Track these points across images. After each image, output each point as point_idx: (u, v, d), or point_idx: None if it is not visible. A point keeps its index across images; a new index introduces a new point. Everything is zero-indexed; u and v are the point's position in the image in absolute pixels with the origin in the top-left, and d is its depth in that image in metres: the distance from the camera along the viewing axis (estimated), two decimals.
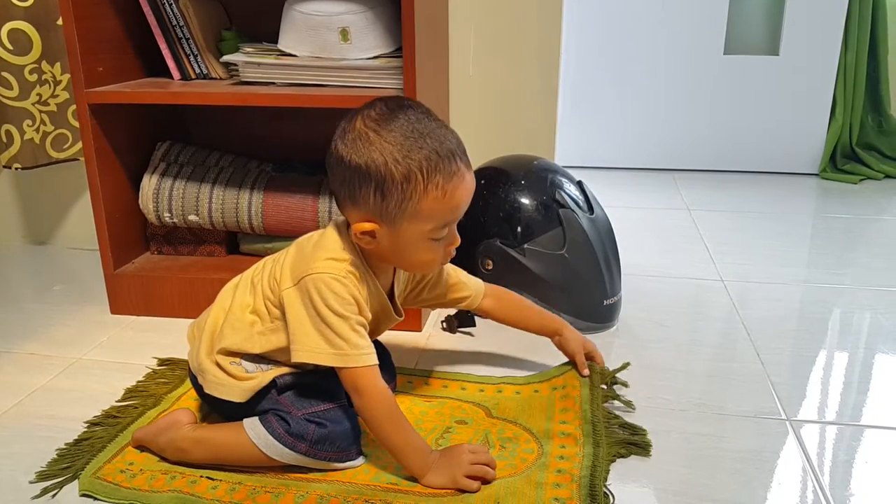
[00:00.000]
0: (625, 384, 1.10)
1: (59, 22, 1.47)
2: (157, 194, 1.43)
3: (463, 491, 0.88)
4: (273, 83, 1.32)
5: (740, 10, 2.55)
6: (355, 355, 0.89)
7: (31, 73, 1.51)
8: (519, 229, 1.33)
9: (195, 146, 1.52)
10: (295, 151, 1.54)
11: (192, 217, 1.44)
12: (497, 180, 1.37)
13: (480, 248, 1.34)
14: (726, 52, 2.55)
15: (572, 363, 1.14)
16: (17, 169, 1.58)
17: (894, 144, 2.58)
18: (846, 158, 2.58)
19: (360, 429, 0.94)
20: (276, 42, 1.33)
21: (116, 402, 1.11)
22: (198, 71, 1.43)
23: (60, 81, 1.57)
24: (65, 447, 0.99)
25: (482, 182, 1.37)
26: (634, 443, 0.99)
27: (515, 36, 1.59)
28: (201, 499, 0.88)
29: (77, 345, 1.32)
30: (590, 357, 1.14)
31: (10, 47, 1.47)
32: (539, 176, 1.37)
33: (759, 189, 2.44)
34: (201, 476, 0.92)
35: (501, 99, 1.63)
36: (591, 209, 1.37)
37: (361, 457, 0.95)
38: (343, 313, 0.89)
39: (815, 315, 1.44)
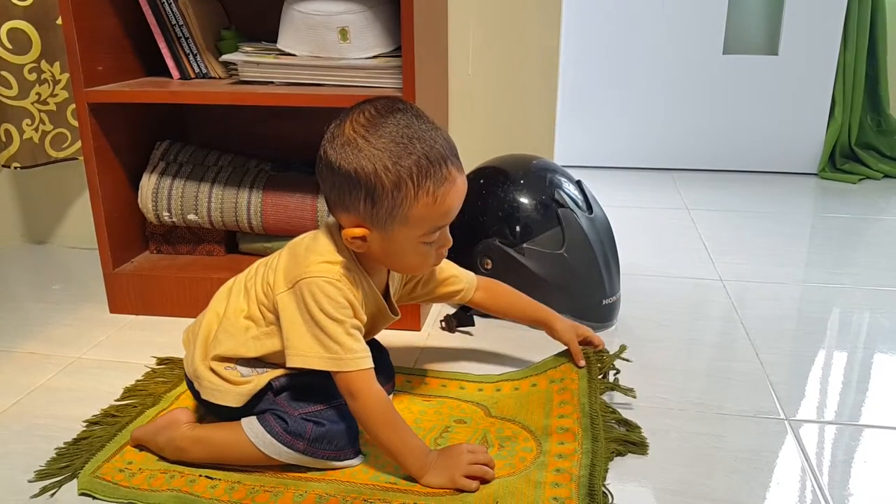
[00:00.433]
0: (631, 394, 1.09)
1: (59, 21, 1.48)
2: (157, 193, 1.43)
3: (461, 490, 0.88)
4: (272, 82, 1.32)
5: (739, 9, 2.55)
6: (349, 359, 0.89)
7: (30, 72, 1.51)
8: (518, 229, 1.33)
9: (194, 145, 1.52)
10: (294, 151, 1.54)
11: (191, 216, 1.44)
12: (496, 180, 1.37)
13: (479, 247, 1.34)
14: (725, 52, 2.55)
15: (569, 353, 1.14)
16: (16, 168, 1.58)
17: (893, 144, 2.58)
18: (845, 158, 2.58)
19: (357, 428, 0.94)
20: (275, 41, 1.33)
21: (115, 401, 1.12)
22: (197, 70, 1.43)
23: (60, 80, 1.57)
24: (63, 446, 1.00)
25: (481, 181, 1.38)
26: (631, 441, 0.99)
27: (515, 35, 1.59)
28: (200, 498, 0.88)
29: (76, 344, 1.32)
30: (587, 342, 1.14)
31: (9, 46, 1.47)
32: (538, 175, 1.37)
33: (758, 189, 2.44)
34: (200, 475, 0.92)
35: (500, 98, 1.63)
36: (590, 209, 1.37)
37: (360, 456, 0.95)
38: (337, 317, 0.89)
39: (814, 315, 1.44)
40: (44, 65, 1.53)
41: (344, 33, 1.26)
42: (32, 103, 1.54)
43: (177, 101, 1.34)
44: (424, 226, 0.90)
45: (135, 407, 1.09)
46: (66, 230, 1.83)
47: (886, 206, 2.21)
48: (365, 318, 0.94)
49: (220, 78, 1.43)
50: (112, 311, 1.44)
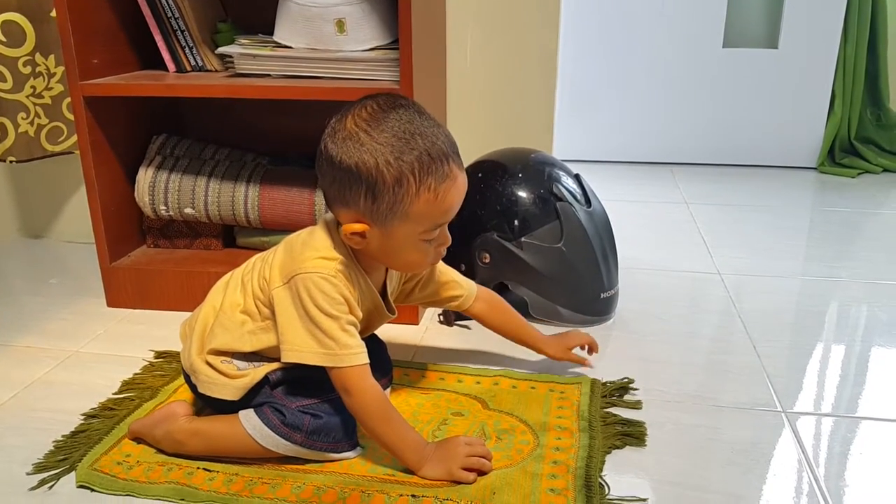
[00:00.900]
0: (636, 406, 1.08)
1: (53, 14, 1.47)
2: (153, 187, 1.43)
3: (459, 482, 0.88)
4: (269, 75, 1.32)
5: (739, 3, 2.55)
6: (344, 355, 0.89)
7: (24, 65, 1.51)
8: (516, 222, 1.33)
9: (191, 139, 1.52)
10: (291, 144, 1.53)
11: (188, 210, 1.44)
12: (494, 173, 1.37)
13: (477, 241, 1.34)
14: (725, 46, 2.55)
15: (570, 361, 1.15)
16: (11, 162, 1.58)
17: (892, 138, 2.58)
18: (844, 152, 2.58)
19: (355, 421, 0.94)
20: (271, 34, 1.32)
21: (113, 394, 1.12)
22: (193, 63, 1.42)
23: (55, 74, 1.57)
24: (62, 439, 1.00)
25: (479, 175, 1.37)
26: (630, 434, 0.99)
27: (513, 29, 1.58)
28: (198, 490, 0.88)
29: (73, 338, 1.32)
30: (577, 346, 1.15)
31: (3, 39, 1.47)
32: (536, 169, 1.37)
33: (757, 183, 2.44)
34: (198, 467, 0.92)
35: (499, 92, 1.63)
36: (588, 202, 1.36)
37: (357, 448, 0.95)
38: (332, 313, 0.89)
39: (812, 308, 1.44)
40: (38, 58, 1.53)
41: (341, 25, 1.26)
42: (27, 97, 1.53)
43: (173, 95, 1.33)
44: (425, 222, 0.89)
45: (132, 400, 1.09)
46: (63, 224, 1.83)
47: (885, 201, 2.21)
48: (360, 314, 0.94)
49: (216, 71, 1.43)
50: (109, 304, 1.44)
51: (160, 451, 0.96)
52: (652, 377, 1.15)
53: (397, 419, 0.91)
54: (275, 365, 0.95)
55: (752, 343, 1.28)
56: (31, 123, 1.56)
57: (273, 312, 0.92)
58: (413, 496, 0.86)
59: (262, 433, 0.90)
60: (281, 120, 1.54)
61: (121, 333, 1.34)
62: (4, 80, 1.50)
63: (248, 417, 0.92)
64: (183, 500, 0.87)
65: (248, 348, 0.95)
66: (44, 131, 1.59)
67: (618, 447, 0.97)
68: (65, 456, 0.95)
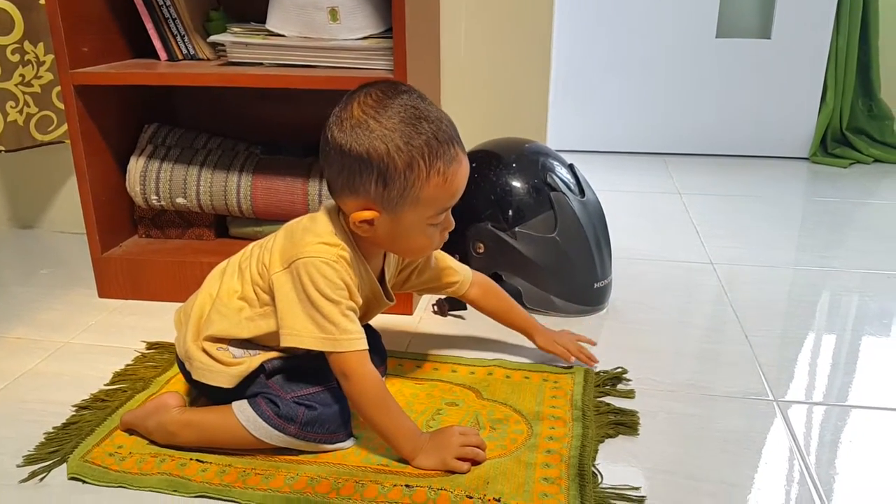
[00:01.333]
0: (629, 396, 1.08)
1: (42, 1, 1.45)
2: (145, 177, 1.42)
3: (453, 472, 0.88)
4: (261, 64, 1.31)
5: None
6: (345, 340, 0.89)
7: (13, 53, 1.49)
8: (510, 212, 1.32)
9: (183, 128, 1.51)
10: (284, 133, 1.52)
11: (179, 200, 1.43)
12: (488, 163, 1.36)
13: (471, 231, 1.34)
14: (718, 36, 2.55)
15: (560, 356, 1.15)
16: (0, 151, 1.56)
17: (884, 129, 2.59)
18: (836, 142, 2.59)
19: (349, 411, 0.94)
20: (264, 22, 1.31)
21: (105, 385, 1.11)
22: (185, 51, 1.41)
23: (44, 62, 1.55)
24: (53, 431, 0.99)
25: (473, 165, 1.36)
26: (623, 423, 1.00)
27: (507, 18, 1.58)
28: (191, 481, 0.88)
29: (65, 329, 1.31)
30: (566, 346, 1.15)
31: None
32: (530, 159, 1.37)
33: (750, 173, 2.44)
34: (191, 459, 0.92)
35: (493, 82, 1.62)
36: (582, 192, 1.36)
37: (351, 438, 0.95)
38: (333, 298, 0.89)
39: (804, 297, 1.44)
40: (27, 46, 1.51)
41: (334, 13, 1.25)
42: (16, 85, 1.52)
43: (164, 83, 1.33)
44: (434, 206, 0.90)
45: (124, 391, 1.08)
46: (54, 214, 1.82)
47: (876, 191, 2.22)
48: (360, 300, 0.94)
49: (208, 59, 1.42)
50: (101, 295, 1.43)
51: (152, 442, 0.95)
52: (645, 366, 1.16)
53: (394, 407, 0.91)
54: (271, 354, 0.95)
55: (745, 332, 1.28)
56: (21, 112, 1.55)
57: (272, 298, 0.92)
58: (407, 486, 0.86)
59: (256, 424, 0.90)
60: (273, 109, 1.54)
61: (112, 324, 1.33)
62: None
63: (241, 409, 0.91)
64: (176, 491, 0.87)
65: (245, 335, 0.94)
66: (33, 120, 1.58)
67: (611, 436, 0.97)
68: (56, 448, 0.95)
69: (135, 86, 1.40)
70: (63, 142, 1.63)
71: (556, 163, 1.38)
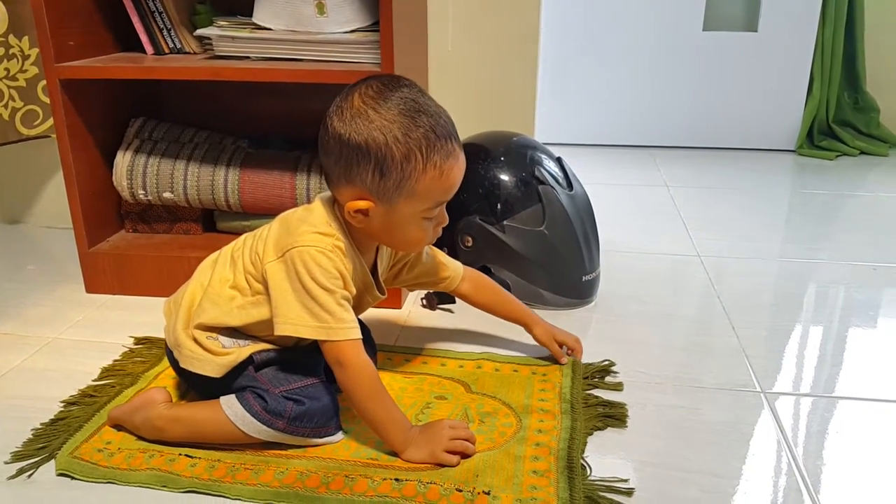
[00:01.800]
0: (617, 388, 1.09)
1: None
2: (131, 171, 1.41)
3: (443, 465, 0.88)
4: (248, 57, 1.30)
5: None
6: (339, 328, 0.89)
7: None
8: (498, 206, 1.33)
9: (169, 122, 1.50)
10: (272, 127, 1.52)
11: (166, 194, 1.42)
12: (477, 157, 1.36)
13: (460, 224, 1.34)
14: (705, 29, 2.56)
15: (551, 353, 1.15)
16: None
17: (869, 121, 2.61)
18: (823, 135, 2.60)
19: (338, 405, 0.94)
20: (250, 15, 1.31)
21: (93, 381, 1.11)
22: (171, 45, 1.40)
23: (29, 56, 1.54)
24: (41, 427, 0.98)
25: None
26: (611, 415, 1.00)
27: (494, 12, 1.57)
28: (180, 477, 0.88)
29: (52, 324, 1.30)
30: (562, 344, 1.15)
31: None
32: (519, 152, 1.37)
33: (737, 165, 2.45)
34: (180, 454, 0.92)
35: (481, 75, 1.62)
36: (570, 186, 1.37)
37: (340, 432, 0.95)
38: (328, 287, 0.89)
39: (790, 289, 1.45)
40: (12, 39, 1.50)
41: (321, 7, 1.24)
42: (1, 79, 1.51)
43: (151, 77, 1.32)
44: (429, 200, 0.90)
45: (113, 387, 1.08)
46: (40, 209, 1.80)
47: (862, 183, 2.24)
48: (354, 290, 0.94)
49: (194, 53, 1.41)
50: (88, 290, 1.43)
51: (140, 437, 0.95)
52: (633, 359, 1.16)
53: (386, 397, 0.91)
54: (260, 345, 0.95)
55: (732, 324, 1.29)
56: (6, 107, 1.54)
57: (266, 287, 0.92)
58: (396, 480, 0.86)
59: (244, 420, 0.90)
60: (261, 102, 1.53)
61: (100, 319, 1.33)
62: None
63: (229, 404, 0.91)
64: (165, 486, 0.87)
65: (236, 323, 0.94)
66: (18, 114, 1.56)
67: (599, 428, 0.98)
68: (44, 444, 0.95)
69: (121, 80, 1.39)
70: (49, 136, 1.62)
71: (544, 156, 1.38)
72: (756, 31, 2.53)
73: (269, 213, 1.35)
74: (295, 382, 0.93)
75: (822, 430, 0.99)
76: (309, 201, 1.08)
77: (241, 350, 0.94)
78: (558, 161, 1.40)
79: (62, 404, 1.04)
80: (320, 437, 0.93)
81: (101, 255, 1.41)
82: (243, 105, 1.54)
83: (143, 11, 1.37)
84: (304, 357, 0.94)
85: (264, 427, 0.90)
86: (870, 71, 2.59)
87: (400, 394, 1.06)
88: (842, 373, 1.14)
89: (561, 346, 1.15)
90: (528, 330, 1.16)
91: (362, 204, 0.90)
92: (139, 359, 1.17)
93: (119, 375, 1.11)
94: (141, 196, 1.43)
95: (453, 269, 1.13)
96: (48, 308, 1.37)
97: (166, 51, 1.41)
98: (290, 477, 0.87)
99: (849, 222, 1.89)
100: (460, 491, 0.84)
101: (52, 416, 1.01)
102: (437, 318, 1.32)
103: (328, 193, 0.96)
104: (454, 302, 1.34)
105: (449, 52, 1.61)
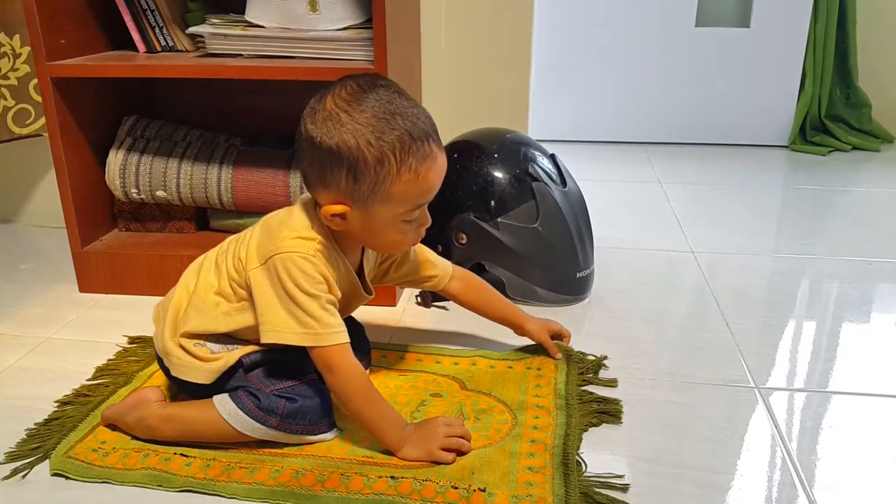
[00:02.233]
0: (612, 385, 1.09)
1: None
2: (124, 170, 1.41)
3: (438, 463, 0.88)
4: (240, 55, 1.30)
5: None
6: (326, 334, 0.88)
7: None
8: (492, 203, 1.33)
9: (162, 120, 1.49)
10: (265, 125, 1.52)
11: (159, 193, 1.42)
12: (470, 154, 1.36)
13: (454, 222, 1.34)
14: (697, 25, 2.56)
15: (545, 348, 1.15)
16: None
17: (862, 116, 2.61)
18: (815, 130, 2.61)
19: (331, 402, 0.94)
20: (243, 13, 1.30)
21: (87, 380, 1.10)
22: (163, 43, 1.40)
23: (20, 54, 1.53)
24: (35, 427, 0.98)
25: (455, 156, 1.37)
26: (606, 411, 1.00)
27: (488, 8, 1.57)
28: (175, 476, 0.87)
29: (46, 324, 1.30)
30: (556, 336, 1.15)
31: None
32: (512, 149, 1.37)
33: (730, 161, 2.46)
34: (175, 453, 0.91)
35: (474, 72, 1.62)
36: (563, 182, 1.37)
37: (334, 430, 0.95)
38: (313, 292, 0.88)
39: (784, 285, 1.46)
40: (3, 38, 1.49)
41: (313, 4, 1.24)
42: None
43: (143, 76, 1.31)
44: (406, 203, 0.89)
45: (107, 386, 1.08)
46: (33, 208, 1.80)
47: (855, 178, 2.24)
48: (339, 294, 0.93)
49: (187, 51, 1.41)
50: (82, 290, 1.42)
51: (134, 437, 0.95)
52: (627, 355, 1.16)
53: (379, 399, 0.91)
54: (249, 348, 0.94)
55: (726, 320, 1.29)
56: None
57: (249, 293, 0.91)
58: (392, 477, 0.86)
59: (237, 418, 0.90)
60: (253, 100, 1.52)
61: (94, 319, 1.32)
62: None
63: (222, 402, 0.91)
64: (160, 486, 0.87)
65: (222, 329, 0.94)
66: (10, 113, 1.56)
67: (594, 425, 0.98)
68: (38, 444, 0.94)
69: (113, 78, 1.38)
70: (41, 135, 1.61)
71: (537, 153, 1.38)
72: (748, 27, 2.54)
73: (262, 210, 1.34)
74: (286, 382, 0.93)
75: (816, 425, 0.99)
76: None
77: (230, 354, 0.94)
78: (552, 158, 1.40)
79: (56, 404, 1.04)
80: (314, 435, 0.93)
81: (94, 254, 1.41)
82: (236, 103, 1.53)
83: (134, 9, 1.37)
84: (293, 357, 0.93)
85: (258, 425, 0.90)
86: (862, 66, 2.59)
87: (395, 391, 1.06)
88: (835, 368, 1.14)
89: (555, 337, 1.15)
90: (521, 329, 1.16)
91: (338, 208, 0.89)
92: (133, 358, 1.16)
93: (113, 375, 1.11)
94: (134, 195, 1.43)
95: (442, 267, 1.12)
96: (42, 307, 1.36)
97: (158, 49, 1.40)
98: (285, 475, 0.87)
99: (842, 217, 1.90)
100: (456, 488, 0.85)
101: (47, 416, 1.01)
102: (431, 316, 1.32)
103: (309, 195, 0.95)
104: (448, 299, 1.34)
105: (442, 49, 1.61)
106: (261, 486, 0.86)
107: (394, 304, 1.35)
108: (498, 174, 1.34)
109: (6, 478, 0.89)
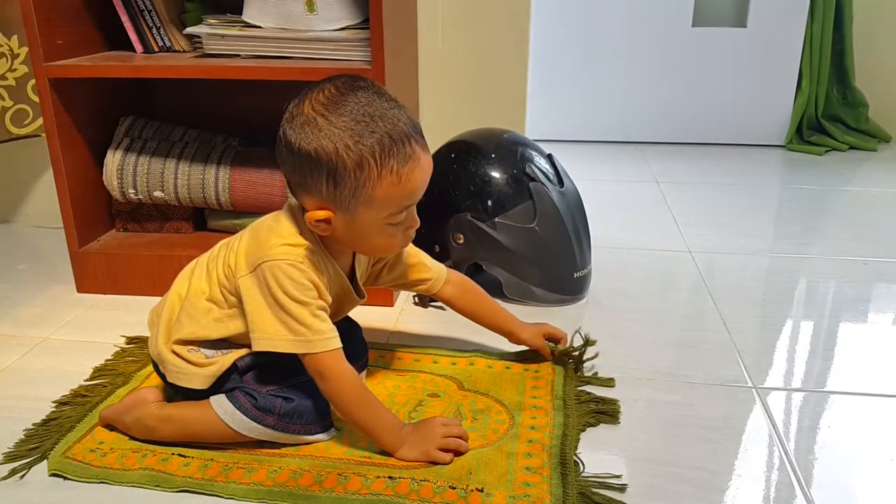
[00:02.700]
0: (609, 384, 1.09)
1: None
2: (122, 170, 1.41)
3: (436, 463, 0.88)
4: (238, 55, 1.30)
5: None
6: (317, 341, 0.88)
7: None
8: (489, 203, 1.33)
9: (159, 121, 1.49)
10: (262, 125, 1.50)
11: (157, 193, 1.42)
12: (467, 154, 1.36)
13: (451, 222, 1.34)
14: (694, 24, 2.56)
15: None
16: None
17: (858, 116, 2.62)
18: (812, 130, 2.61)
19: (328, 402, 0.94)
20: (240, 13, 1.30)
21: (85, 381, 1.10)
22: (161, 44, 1.40)
23: (18, 55, 1.53)
24: (33, 427, 0.98)
25: (452, 156, 1.37)
26: (603, 411, 1.01)
27: (485, 8, 1.58)
28: (173, 476, 0.87)
29: (43, 324, 1.30)
30: (551, 338, 1.14)
31: None
32: (509, 149, 1.37)
33: (727, 161, 2.46)
34: (173, 453, 0.91)
35: (471, 72, 1.62)
36: (561, 182, 1.37)
37: (331, 430, 0.95)
38: (302, 299, 0.88)
39: (781, 284, 1.46)
40: (0, 38, 1.49)
41: (311, 4, 1.24)
42: None
43: (140, 76, 1.31)
44: (389, 206, 0.88)
45: (105, 387, 1.08)
46: (31, 209, 1.80)
47: (852, 178, 2.25)
48: (330, 299, 0.93)
49: (184, 51, 1.41)
50: (79, 290, 1.42)
51: (131, 437, 0.95)
52: (624, 355, 1.17)
53: (373, 402, 0.91)
54: (243, 351, 0.94)
55: (723, 320, 1.29)
56: None
57: (240, 301, 0.91)
58: (390, 478, 0.86)
59: (234, 417, 0.90)
60: (251, 100, 1.52)
61: (91, 319, 1.32)
62: None
63: (219, 402, 0.91)
64: (158, 486, 0.87)
65: (214, 335, 0.94)
66: (8, 114, 1.56)
67: (592, 425, 0.98)
68: (36, 444, 0.94)
69: (111, 78, 1.38)
70: (39, 135, 1.61)
71: (534, 153, 1.38)
72: (745, 26, 2.54)
73: (259, 211, 1.34)
74: (281, 382, 0.93)
75: (814, 425, 1.00)
76: None
77: (225, 358, 0.93)
78: (549, 158, 1.40)
79: (54, 404, 1.04)
80: (311, 434, 0.93)
81: (91, 254, 1.41)
82: (233, 103, 1.53)
83: (132, 10, 1.37)
84: (287, 358, 0.92)
85: (255, 424, 0.90)
86: (858, 66, 2.60)
87: (392, 392, 1.06)
88: (833, 367, 1.14)
89: (550, 339, 1.14)
90: (515, 338, 1.14)
91: (322, 214, 0.88)
92: (131, 358, 1.16)
93: (111, 375, 1.11)
94: (131, 195, 1.43)
95: (436, 271, 1.10)
96: (39, 308, 1.36)
97: (156, 49, 1.40)
98: (283, 475, 0.87)
99: (838, 217, 1.90)
100: (453, 488, 0.85)
101: (45, 417, 1.01)
102: (428, 316, 1.32)
103: (296, 200, 0.94)
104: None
105: (439, 49, 1.61)
106: (259, 486, 0.86)
107: (391, 305, 1.35)
108: (495, 174, 1.34)
109: (4, 478, 0.89)
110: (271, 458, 0.91)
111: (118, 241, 1.46)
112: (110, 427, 0.97)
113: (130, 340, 1.22)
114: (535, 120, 2.59)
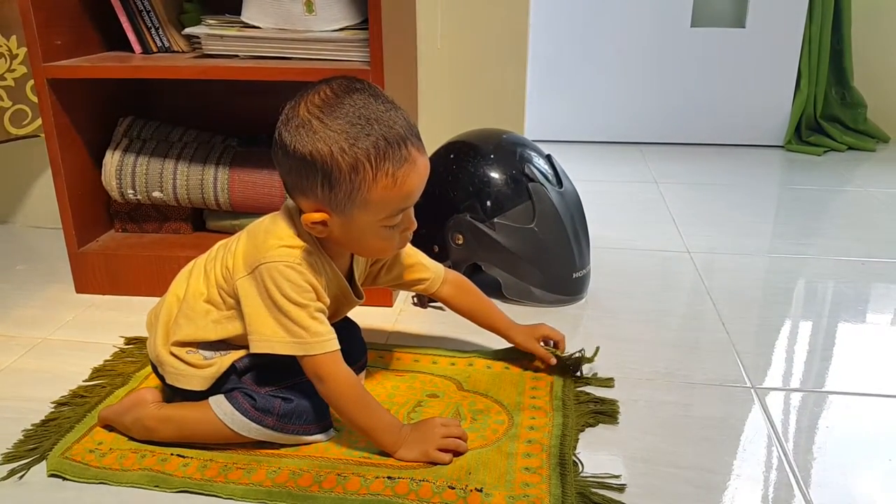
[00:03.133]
0: (608, 384, 1.08)
1: None
2: (120, 171, 1.41)
3: (435, 463, 0.88)
4: (236, 56, 1.30)
5: None
6: (315, 342, 0.88)
7: None
8: (489, 203, 1.33)
9: (158, 121, 1.49)
10: (261, 125, 1.51)
11: (156, 193, 1.42)
12: (467, 154, 1.36)
13: (450, 222, 1.34)
14: (693, 25, 2.56)
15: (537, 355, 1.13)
16: None
17: (857, 117, 2.62)
18: (811, 130, 2.62)
19: (327, 403, 0.94)
20: (239, 14, 1.30)
21: (84, 381, 1.10)
22: (159, 44, 1.40)
23: (17, 55, 1.53)
24: (32, 428, 0.98)
25: (451, 156, 1.37)
26: (602, 412, 1.01)
27: (484, 9, 1.58)
28: (172, 477, 0.87)
29: (42, 325, 1.30)
30: (548, 340, 1.13)
31: None
32: (508, 150, 1.37)
33: (726, 161, 2.46)
34: (172, 454, 0.91)
35: (470, 72, 1.62)
36: (559, 183, 1.37)
37: (330, 430, 0.95)
38: (300, 301, 0.87)
39: (780, 285, 1.46)
40: None
41: (309, 5, 1.24)
42: None
43: (139, 77, 1.31)
44: (385, 209, 0.87)
45: (103, 387, 1.08)
46: (29, 209, 1.80)
47: (851, 178, 2.25)
48: (328, 300, 0.93)
49: (183, 52, 1.41)
50: (78, 290, 1.42)
51: (130, 438, 0.95)
52: (623, 355, 1.17)
53: (372, 403, 0.91)
54: (241, 352, 0.94)
55: (722, 320, 1.29)
56: None
57: (238, 302, 0.91)
58: (389, 478, 0.87)
59: (234, 418, 0.90)
60: (249, 101, 1.52)
61: (90, 320, 1.32)
62: None
63: (218, 403, 0.91)
64: (157, 486, 0.87)
65: (213, 337, 0.94)
66: (7, 114, 1.56)
67: (591, 425, 0.98)
68: (35, 445, 0.94)
69: (109, 79, 1.38)
70: (38, 136, 1.61)
71: (533, 153, 1.38)
72: (744, 27, 2.55)
73: (258, 211, 1.34)
74: (280, 383, 0.93)
75: (813, 425, 1.00)
76: None
77: (223, 359, 0.93)
78: (548, 158, 1.40)
79: (53, 405, 1.04)
80: (310, 435, 0.93)
81: (90, 254, 1.41)
82: (232, 104, 1.53)
83: (130, 10, 1.37)
84: (285, 359, 0.92)
85: (254, 425, 0.90)
86: (857, 66, 2.60)
87: (392, 392, 1.06)
88: (831, 367, 1.15)
89: (547, 342, 1.13)
90: (509, 339, 1.14)
91: (318, 216, 0.87)
92: (130, 359, 1.16)
93: (110, 376, 1.11)
94: (130, 196, 1.43)
95: (434, 271, 1.10)
96: (38, 308, 1.36)
97: (154, 50, 1.40)
98: (282, 476, 0.87)
99: (837, 217, 1.90)
100: (453, 488, 0.85)
101: (43, 417, 1.00)
102: (428, 316, 1.32)
103: (293, 202, 0.94)
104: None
105: (438, 50, 1.61)
106: (258, 486, 0.86)
107: (390, 305, 1.35)
108: (494, 175, 1.34)
109: (3, 479, 0.89)
110: (270, 458, 0.91)
111: (117, 241, 1.46)
112: (109, 428, 0.97)
113: (129, 341, 1.22)
114: (535, 120, 2.60)
